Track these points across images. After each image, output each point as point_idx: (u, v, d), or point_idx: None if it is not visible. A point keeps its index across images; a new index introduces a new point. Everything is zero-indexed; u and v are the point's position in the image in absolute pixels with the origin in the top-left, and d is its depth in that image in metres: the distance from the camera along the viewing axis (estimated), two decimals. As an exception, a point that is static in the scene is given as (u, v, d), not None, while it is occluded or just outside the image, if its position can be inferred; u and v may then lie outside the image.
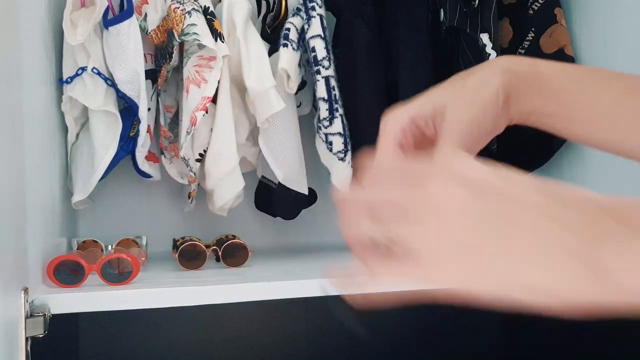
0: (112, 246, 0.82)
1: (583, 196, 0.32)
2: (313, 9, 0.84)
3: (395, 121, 0.47)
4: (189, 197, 0.91)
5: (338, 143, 0.85)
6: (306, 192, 0.89)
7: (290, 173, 0.87)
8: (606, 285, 0.30)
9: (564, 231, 0.30)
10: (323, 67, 0.82)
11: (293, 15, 0.85)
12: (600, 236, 0.30)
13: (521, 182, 0.33)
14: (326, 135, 0.85)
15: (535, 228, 0.31)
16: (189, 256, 0.77)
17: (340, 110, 0.84)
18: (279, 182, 0.87)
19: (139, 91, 0.79)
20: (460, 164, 0.33)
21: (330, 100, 0.83)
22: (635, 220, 0.30)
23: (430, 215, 0.32)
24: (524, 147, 0.95)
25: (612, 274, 0.30)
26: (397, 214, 0.33)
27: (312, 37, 0.83)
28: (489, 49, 0.89)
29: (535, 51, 0.94)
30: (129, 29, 0.78)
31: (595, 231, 0.30)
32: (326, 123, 0.84)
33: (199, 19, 0.79)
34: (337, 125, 0.84)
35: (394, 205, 0.34)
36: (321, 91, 0.83)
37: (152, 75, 0.84)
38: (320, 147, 0.86)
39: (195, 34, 0.77)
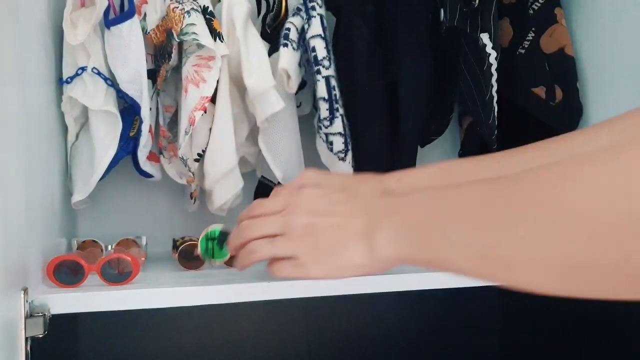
0: (112, 246, 0.82)
1: (369, 191, 0.57)
2: (313, 8, 0.83)
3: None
4: (192, 197, 0.91)
5: (338, 143, 0.84)
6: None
7: (289, 173, 0.87)
8: (377, 256, 0.49)
9: (355, 235, 0.51)
10: (323, 67, 0.82)
11: (293, 15, 0.85)
12: (374, 225, 0.50)
13: (332, 203, 0.54)
14: (326, 135, 0.85)
15: (343, 238, 0.52)
16: (189, 256, 0.77)
17: (341, 110, 0.84)
18: (279, 182, 0.87)
19: (141, 91, 0.79)
20: (303, 199, 0.56)
21: (330, 100, 0.83)
22: (395, 210, 0.49)
23: (296, 239, 0.55)
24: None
25: (378, 248, 0.49)
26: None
27: (313, 36, 0.82)
28: (489, 48, 0.89)
29: (535, 51, 0.94)
30: (131, 28, 0.78)
31: (371, 223, 0.50)
32: (326, 123, 0.84)
33: (198, 19, 0.79)
34: (338, 125, 0.84)
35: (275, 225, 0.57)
36: (322, 91, 0.83)
37: (151, 75, 0.84)
38: (321, 147, 0.86)
39: (195, 33, 0.77)
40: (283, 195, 0.58)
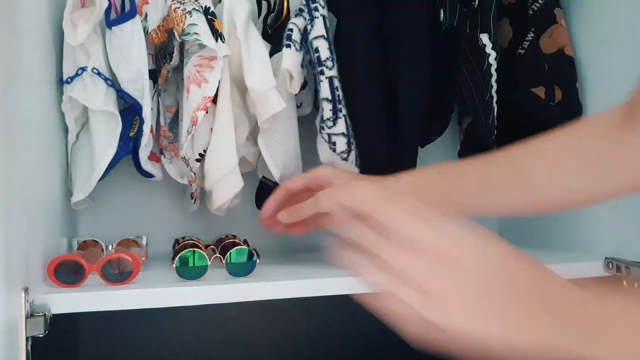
0: (112, 246, 0.82)
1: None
2: (316, 9, 0.83)
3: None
4: (192, 198, 0.91)
5: (341, 143, 0.84)
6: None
7: (286, 173, 0.87)
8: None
9: (505, 295, 0.44)
10: (327, 67, 0.82)
11: (295, 16, 0.85)
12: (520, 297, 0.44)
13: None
14: (329, 135, 0.84)
15: (500, 293, 0.44)
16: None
17: (344, 111, 0.84)
18: (277, 182, 0.87)
19: (143, 91, 0.79)
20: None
21: (334, 100, 0.83)
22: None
23: (440, 266, 0.44)
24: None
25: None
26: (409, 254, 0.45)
27: (316, 37, 0.82)
28: (488, 49, 0.89)
29: (534, 51, 0.94)
30: (133, 29, 0.78)
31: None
32: (330, 123, 0.84)
33: (199, 19, 0.79)
34: (341, 126, 0.84)
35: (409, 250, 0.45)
36: (325, 91, 0.82)
37: (152, 75, 0.84)
38: (322, 147, 0.86)
39: (196, 33, 0.77)
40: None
